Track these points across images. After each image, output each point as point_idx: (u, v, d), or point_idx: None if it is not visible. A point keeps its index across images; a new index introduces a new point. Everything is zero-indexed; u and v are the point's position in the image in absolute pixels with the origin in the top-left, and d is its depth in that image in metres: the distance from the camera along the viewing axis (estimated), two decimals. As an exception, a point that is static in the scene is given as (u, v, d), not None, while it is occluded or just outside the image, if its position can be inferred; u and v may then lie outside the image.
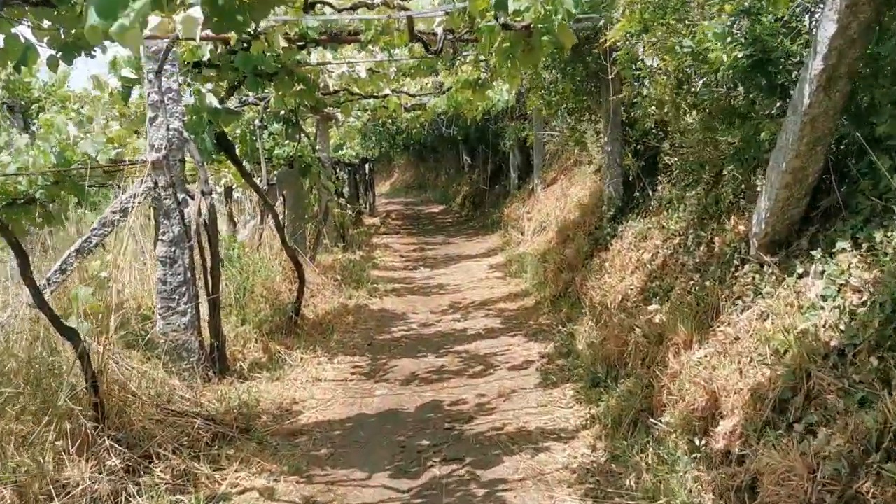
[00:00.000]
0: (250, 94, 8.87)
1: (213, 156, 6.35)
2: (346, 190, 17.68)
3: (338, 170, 14.69)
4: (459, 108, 10.30)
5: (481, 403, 5.17)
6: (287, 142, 9.83)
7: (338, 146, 13.93)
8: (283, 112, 9.40)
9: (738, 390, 3.22)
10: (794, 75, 3.91)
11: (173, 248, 5.37)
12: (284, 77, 6.84)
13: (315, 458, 4.34)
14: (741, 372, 3.30)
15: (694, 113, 5.16)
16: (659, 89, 5.37)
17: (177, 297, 5.40)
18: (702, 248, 4.57)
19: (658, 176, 6.61)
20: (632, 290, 5.49)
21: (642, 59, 5.62)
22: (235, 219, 9.48)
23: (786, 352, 3.08)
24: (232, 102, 9.03)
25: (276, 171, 9.89)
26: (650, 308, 4.67)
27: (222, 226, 9.35)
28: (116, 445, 3.87)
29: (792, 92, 3.71)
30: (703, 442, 3.33)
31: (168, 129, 5.32)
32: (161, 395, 4.98)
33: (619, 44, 5.57)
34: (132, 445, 4.04)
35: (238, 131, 9.13)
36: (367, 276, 10.53)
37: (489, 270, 11.10)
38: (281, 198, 10.65)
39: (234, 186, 9.67)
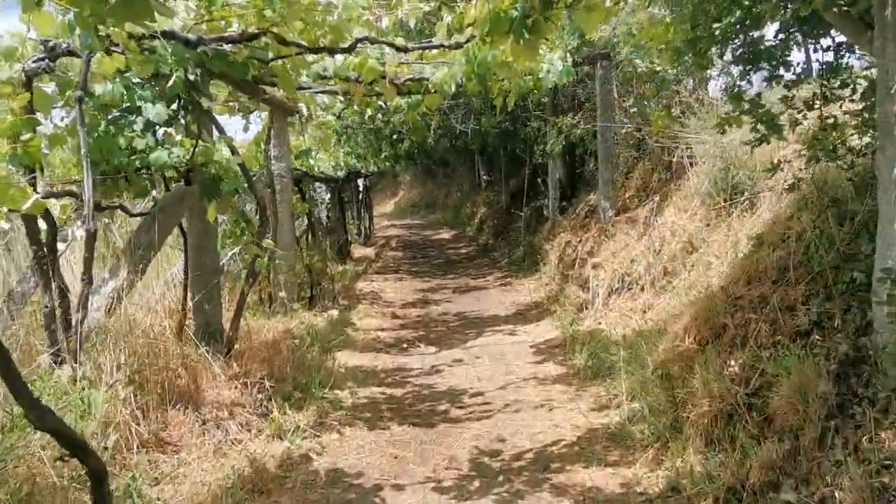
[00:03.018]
0: (74, 35, 4.52)
1: None
2: (325, 214, 13.35)
3: (302, 186, 10.30)
4: (488, 77, 5.86)
5: None
6: (180, 138, 5.46)
7: (302, 153, 9.53)
8: (171, 82, 5.03)
9: None
10: None
11: None
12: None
13: None
14: None
15: None
16: None
17: None
18: None
19: None
20: None
21: None
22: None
23: None
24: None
25: (154, 192, 5.54)
26: None
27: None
28: None
29: None
30: None
31: None
32: None
33: None
34: None
35: (65, 118, 4.80)
36: (327, 370, 6.08)
37: (536, 357, 6.60)
38: (181, 237, 6.24)
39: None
